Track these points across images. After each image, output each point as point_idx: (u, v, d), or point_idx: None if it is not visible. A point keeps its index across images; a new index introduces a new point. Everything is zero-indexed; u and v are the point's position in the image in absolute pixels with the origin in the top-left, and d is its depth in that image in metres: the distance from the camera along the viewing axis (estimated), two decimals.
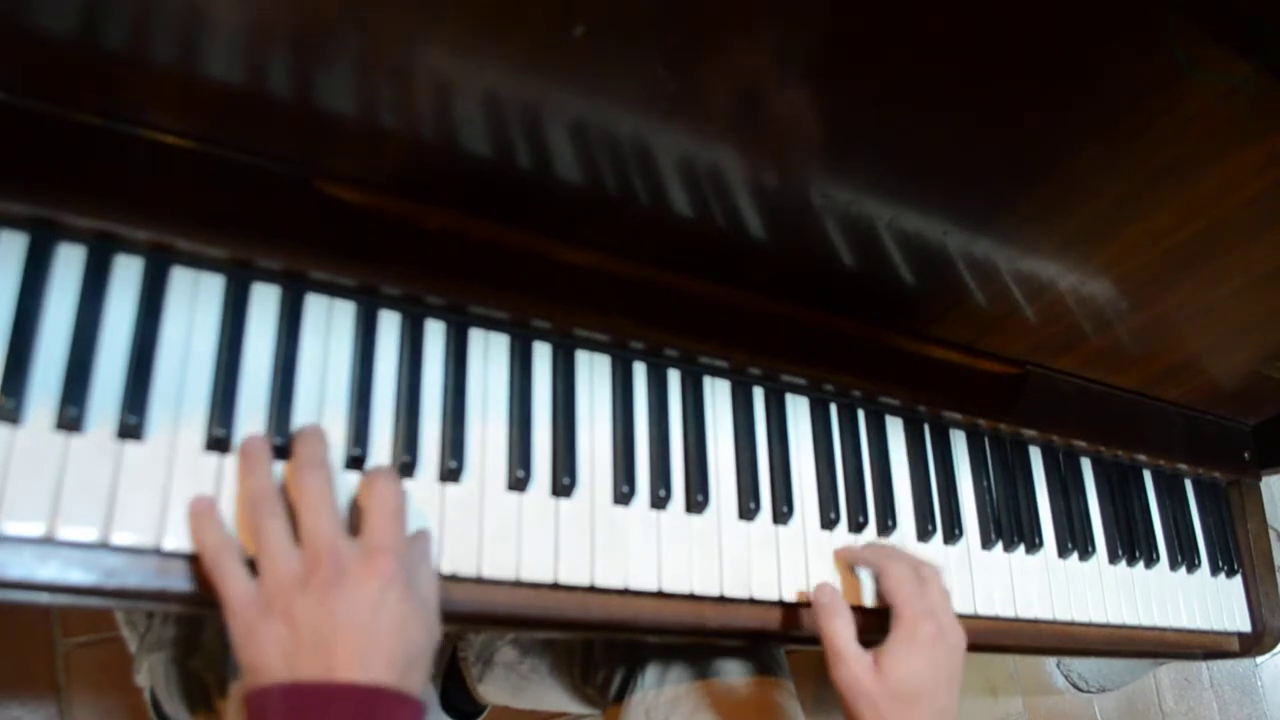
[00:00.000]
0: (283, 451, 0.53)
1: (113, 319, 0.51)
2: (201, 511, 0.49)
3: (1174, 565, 0.96)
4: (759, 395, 0.73)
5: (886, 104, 0.56)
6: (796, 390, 0.75)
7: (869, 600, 0.71)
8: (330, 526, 0.48)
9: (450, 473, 0.58)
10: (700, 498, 0.66)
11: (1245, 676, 2.08)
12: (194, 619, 0.70)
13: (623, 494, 0.63)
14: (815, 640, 0.70)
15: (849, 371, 0.75)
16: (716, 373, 0.71)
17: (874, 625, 0.67)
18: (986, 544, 0.82)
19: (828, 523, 0.73)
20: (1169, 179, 0.63)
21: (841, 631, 0.64)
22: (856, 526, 0.74)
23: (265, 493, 0.49)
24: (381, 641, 0.47)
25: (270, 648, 0.46)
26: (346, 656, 0.46)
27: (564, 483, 0.61)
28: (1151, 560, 0.94)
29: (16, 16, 0.43)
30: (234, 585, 0.47)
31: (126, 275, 0.52)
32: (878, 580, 0.69)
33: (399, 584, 0.48)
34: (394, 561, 0.49)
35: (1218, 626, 0.98)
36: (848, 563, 0.72)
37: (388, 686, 0.46)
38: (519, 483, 0.60)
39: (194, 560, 0.50)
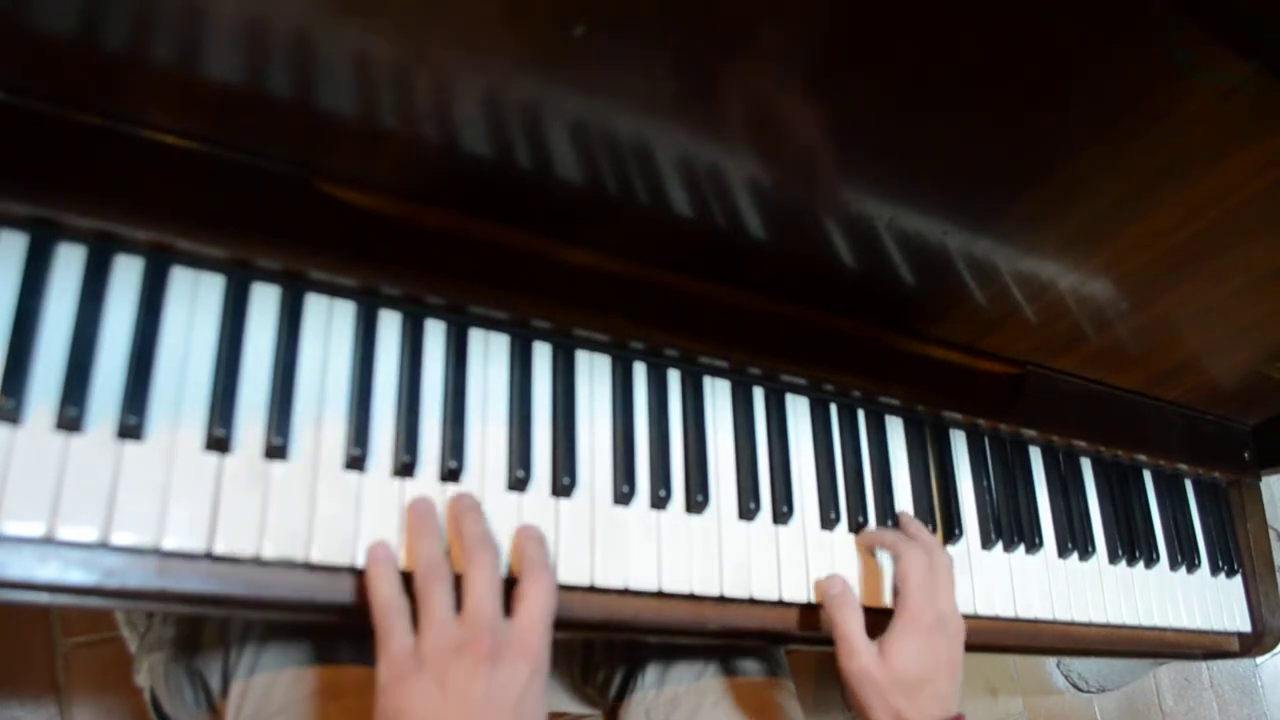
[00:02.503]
0: (279, 452, 0.53)
1: (113, 319, 0.51)
2: (379, 560, 0.53)
3: (1174, 565, 0.96)
4: (759, 395, 0.73)
5: (887, 104, 0.56)
6: (796, 390, 0.75)
7: (872, 600, 0.71)
8: (493, 606, 0.52)
9: (450, 473, 0.58)
10: (700, 498, 0.66)
11: (1245, 676, 2.08)
12: (194, 619, 0.70)
13: (623, 494, 0.63)
14: (815, 640, 0.70)
15: (849, 371, 0.75)
16: (716, 373, 0.71)
17: (879, 623, 0.67)
18: (986, 544, 0.82)
19: (828, 523, 0.73)
20: (1169, 179, 0.63)
21: (851, 621, 0.66)
22: (856, 526, 0.74)
23: (435, 560, 0.53)
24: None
25: (418, 702, 0.49)
26: None
27: (564, 483, 0.61)
28: (1151, 560, 0.94)
29: (16, 16, 0.43)
30: (397, 638, 0.51)
31: (126, 275, 0.52)
32: (895, 562, 0.70)
33: (541, 677, 0.53)
34: (543, 650, 0.53)
35: (1218, 626, 0.98)
36: (869, 545, 0.73)
37: None
38: (519, 483, 0.60)
39: (195, 560, 0.50)
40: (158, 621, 0.77)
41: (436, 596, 0.52)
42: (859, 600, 0.68)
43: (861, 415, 0.79)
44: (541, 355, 0.64)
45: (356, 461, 0.55)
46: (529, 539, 0.58)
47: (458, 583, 0.53)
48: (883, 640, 0.65)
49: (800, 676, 0.83)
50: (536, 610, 0.54)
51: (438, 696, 0.49)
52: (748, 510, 0.69)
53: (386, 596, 0.52)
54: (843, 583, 0.69)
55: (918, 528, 0.74)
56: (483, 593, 0.52)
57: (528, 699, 0.51)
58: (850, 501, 0.75)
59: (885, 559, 0.73)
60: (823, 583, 0.69)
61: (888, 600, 0.72)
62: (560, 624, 0.61)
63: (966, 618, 0.77)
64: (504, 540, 0.58)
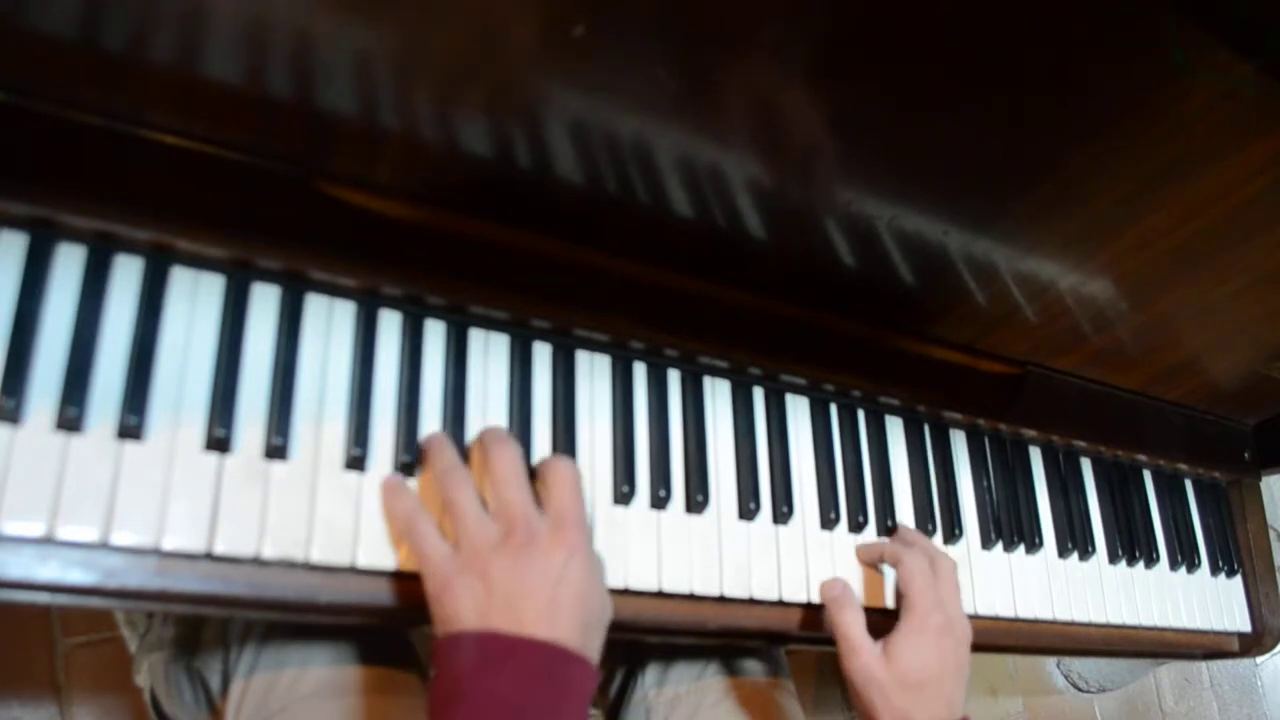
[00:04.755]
0: (279, 451, 0.53)
1: (113, 319, 0.51)
2: (392, 486, 0.54)
3: (1174, 565, 0.96)
4: (759, 395, 0.73)
5: (887, 104, 0.56)
6: (796, 390, 0.75)
7: (874, 601, 0.71)
8: (524, 496, 0.53)
9: None
10: (700, 498, 0.66)
11: (1245, 676, 2.08)
12: (194, 619, 0.70)
13: (623, 494, 0.63)
14: (815, 640, 0.70)
15: (849, 371, 0.75)
16: (716, 373, 0.71)
17: (878, 624, 0.67)
18: (986, 544, 0.82)
19: (828, 523, 0.73)
20: (1169, 179, 0.63)
21: (852, 622, 0.66)
22: (856, 526, 0.74)
23: (454, 466, 0.54)
24: (565, 605, 0.51)
25: (466, 601, 0.50)
26: (534, 615, 0.50)
27: None
28: (1151, 560, 0.94)
29: (16, 16, 0.43)
30: (431, 544, 0.52)
31: (126, 275, 0.52)
32: (896, 570, 0.70)
33: (582, 554, 0.53)
34: (579, 534, 0.53)
35: (1218, 626, 0.98)
36: (868, 559, 0.73)
37: (568, 646, 0.50)
38: None
39: (195, 560, 0.50)
40: (158, 621, 0.77)
41: (462, 498, 0.53)
42: (860, 601, 0.68)
43: (861, 415, 0.79)
44: (541, 355, 0.64)
45: (357, 461, 0.55)
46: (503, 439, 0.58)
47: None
48: (887, 641, 0.65)
49: (800, 676, 0.83)
50: (565, 490, 0.54)
51: (484, 594, 0.50)
52: (748, 510, 0.69)
53: (407, 508, 0.53)
54: (842, 584, 0.69)
55: (916, 536, 0.74)
56: (508, 482, 0.53)
57: (569, 582, 0.51)
58: (850, 502, 0.75)
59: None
60: (823, 585, 0.69)
61: (889, 601, 0.72)
62: None
63: (967, 617, 0.77)
64: None
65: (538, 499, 0.55)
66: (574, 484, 0.55)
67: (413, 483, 0.56)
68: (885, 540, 0.74)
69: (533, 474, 0.57)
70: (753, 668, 0.78)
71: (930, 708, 0.64)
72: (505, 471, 0.54)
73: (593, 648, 0.53)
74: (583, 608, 0.52)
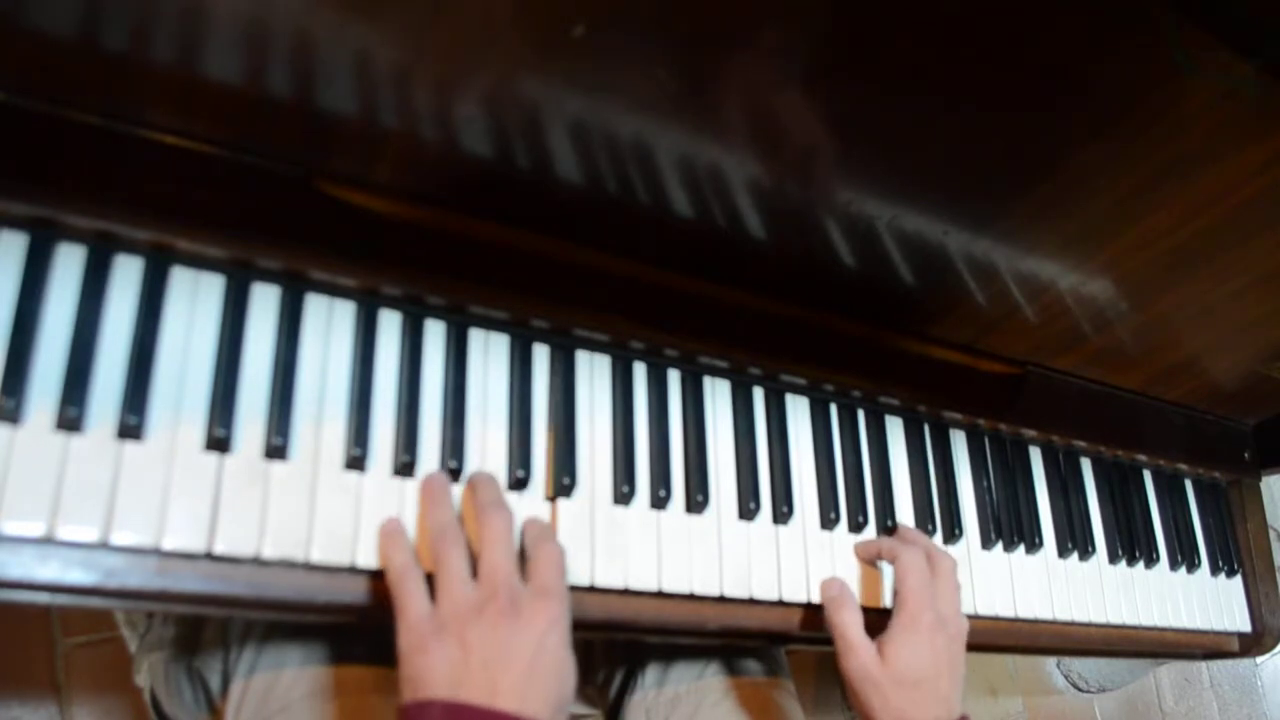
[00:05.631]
0: (279, 452, 0.53)
1: (113, 319, 0.51)
2: (391, 533, 0.54)
3: (1174, 565, 0.96)
4: (759, 395, 0.73)
5: (887, 105, 0.56)
6: (796, 390, 0.75)
7: (876, 601, 0.71)
8: (509, 564, 0.52)
9: (451, 473, 0.58)
10: (700, 498, 0.66)
11: (1245, 676, 2.08)
12: (194, 619, 0.70)
13: (623, 494, 0.63)
14: (815, 640, 0.70)
15: (849, 371, 0.75)
16: (716, 373, 0.71)
17: (876, 624, 0.67)
18: (986, 544, 0.82)
19: (827, 523, 0.73)
20: (1169, 179, 0.63)
21: (850, 622, 0.66)
22: (856, 526, 0.74)
23: (449, 524, 0.54)
24: (540, 677, 0.50)
25: (439, 665, 0.49)
26: (509, 687, 0.49)
27: (564, 483, 0.61)
28: (1151, 560, 0.94)
29: (16, 16, 0.43)
30: (415, 603, 0.51)
31: (126, 275, 0.52)
32: (893, 566, 0.70)
33: (561, 628, 0.52)
34: (561, 608, 0.52)
35: (1218, 626, 0.98)
36: (867, 555, 0.73)
37: None
38: (519, 483, 0.60)
39: (195, 560, 0.50)
40: (158, 621, 0.77)
41: (452, 559, 0.52)
42: (858, 601, 0.68)
43: (861, 415, 0.79)
44: (541, 355, 0.64)
45: (356, 461, 0.55)
46: (530, 523, 0.58)
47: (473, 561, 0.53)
48: (882, 640, 0.65)
49: (800, 676, 0.83)
50: (550, 564, 0.54)
51: (459, 657, 0.49)
52: (748, 510, 0.69)
53: (401, 563, 0.52)
54: (840, 584, 0.69)
55: (917, 534, 0.74)
56: (497, 551, 0.53)
57: (548, 654, 0.51)
58: (850, 501, 0.75)
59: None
60: (823, 584, 0.69)
61: (888, 601, 0.72)
62: None
63: (967, 617, 0.77)
64: None
65: (522, 571, 0.54)
66: (560, 562, 0.54)
67: (410, 519, 0.55)
68: (884, 537, 0.74)
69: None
70: (752, 668, 0.78)
71: (927, 706, 0.64)
72: (496, 536, 0.53)
73: None
74: (557, 683, 0.51)
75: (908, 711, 0.63)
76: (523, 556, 0.56)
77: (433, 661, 0.49)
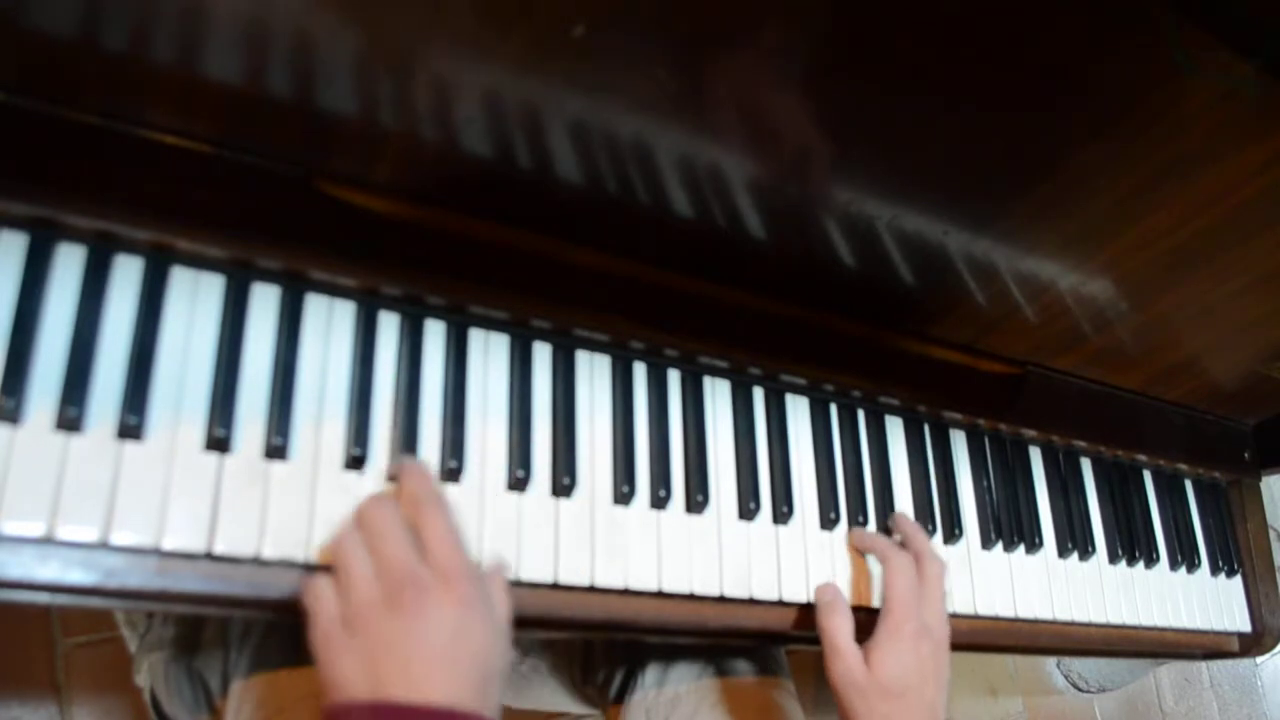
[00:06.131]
0: (279, 452, 0.53)
1: (113, 319, 0.51)
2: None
3: (1174, 565, 0.96)
4: (759, 395, 0.73)
5: (887, 105, 0.56)
6: (796, 390, 0.75)
7: (871, 601, 0.71)
8: (405, 553, 0.50)
9: (450, 473, 0.58)
10: (700, 498, 0.66)
11: (1245, 676, 2.08)
12: (194, 619, 0.70)
13: (623, 494, 0.63)
14: (815, 640, 0.70)
15: (849, 371, 0.75)
16: (716, 373, 0.71)
17: (868, 624, 0.67)
18: (986, 544, 0.82)
19: (828, 523, 0.73)
20: (1169, 179, 0.63)
21: (840, 628, 0.66)
22: (856, 526, 0.74)
23: (344, 524, 0.52)
24: (462, 663, 0.48)
25: (353, 666, 0.47)
26: (430, 677, 0.47)
27: (564, 483, 0.61)
28: (1151, 560, 0.94)
29: (16, 16, 0.43)
30: (324, 605, 0.49)
31: (126, 275, 0.52)
32: (883, 569, 0.70)
33: (476, 607, 0.50)
34: (470, 585, 0.50)
35: (1218, 626, 0.98)
36: (860, 546, 0.73)
37: (466, 708, 0.47)
38: (519, 483, 0.60)
39: (195, 560, 0.50)
40: (158, 621, 0.77)
41: (351, 559, 0.50)
42: (850, 605, 0.68)
43: (861, 415, 0.79)
44: (541, 355, 0.64)
45: (356, 461, 0.55)
46: (408, 472, 0.55)
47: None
48: (867, 647, 0.65)
49: (800, 676, 0.83)
50: (441, 541, 0.51)
51: (373, 657, 0.47)
52: (748, 510, 0.69)
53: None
54: (834, 590, 0.69)
55: (913, 531, 0.74)
56: (388, 543, 0.50)
57: (465, 638, 0.49)
58: (850, 501, 0.75)
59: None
60: (818, 588, 0.69)
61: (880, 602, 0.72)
62: (560, 624, 0.61)
63: (966, 618, 0.77)
64: (507, 546, 0.58)
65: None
66: (450, 536, 0.51)
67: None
68: (880, 536, 0.74)
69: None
70: (753, 668, 0.78)
71: (912, 714, 0.64)
72: (383, 530, 0.50)
73: (492, 702, 0.50)
74: (479, 664, 0.49)
75: (892, 718, 0.63)
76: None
77: (348, 663, 0.47)
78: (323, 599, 0.49)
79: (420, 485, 0.54)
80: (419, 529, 0.52)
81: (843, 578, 0.71)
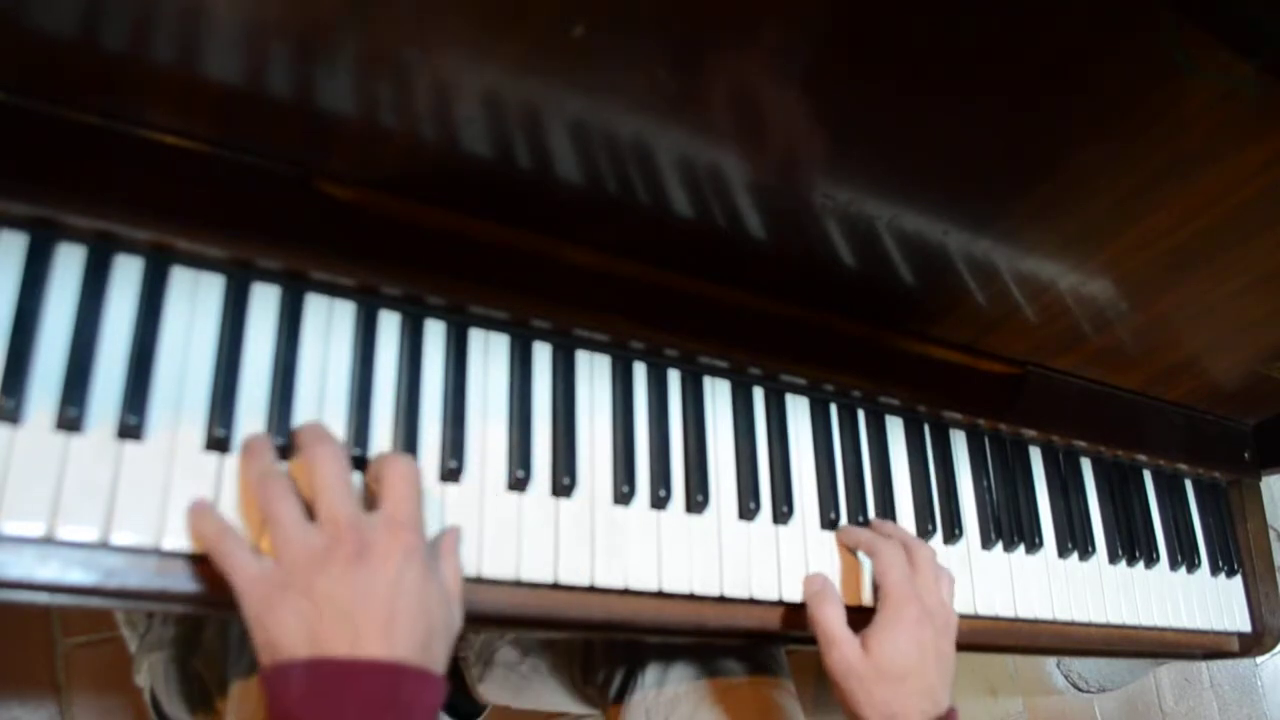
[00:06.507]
0: (285, 452, 0.53)
1: (113, 319, 0.51)
2: (198, 508, 0.49)
3: (1174, 565, 0.96)
4: (759, 395, 0.73)
5: (887, 104, 0.56)
6: (796, 390, 0.75)
7: (865, 599, 0.71)
8: (348, 501, 0.48)
9: (450, 473, 0.58)
10: (700, 498, 0.66)
11: (1245, 676, 2.08)
12: (194, 619, 0.70)
13: (623, 494, 0.63)
14: (815, 640, 0.70)
15: (849, 371, 0.75)
16: (716, 373, 0.71)
17: (866, 622, 0.67)
18: (986, 544, 0.82)
19: (828, 523, 0.73)
20: (1169, 179, 0.63)
21: (832, 616, 0.65)
22: (844, 525, 0.74)
23: (272, 474, 0.49)
24: (405, 617, 0.46)
25: (291, 624, 0.45)
26: (371, 631, 0.45)
27: (564, 483, 0.61)
28: (1151, 560, 0.94)
29: (16, 16, 0.43)
30: (241, 562, 0.47)
31: (126, 275, 0.52)
32: (872, 562, 0.70)
33: (420, 560, 0.48)
34: (416, 536, 0.49)
35: (1218, 626, 0.98)
36: (845, 544, 0.72)
37: (412, 663, 0.46)
38: (519, 483, 0.60)
39: (195, 560, 0.50)
40: (158, 621, 0.78)
41: (282, 509, 0.47)
42: (840, 596, 0.67)
43: (861, 415, 0.79)
44: (541, 355, 0.64)
45: (357, 462, 0.55)
46: (391, 465, 0.52)
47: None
48: (865, 633, 0.65)
49: (800, 676, 0.83)
50: (397, 493, 0.49)
51: (312, 613, 0.45)
52: (748, 510, 0.69)
53: (214, 529, 0.48)
54: (822, 579, 0.68)
55: (893, 528, 0.74)
56: (333, 489, 0.48)
57: (408, 592, 0.47)
58: (850, 501, 0.75)
59: None
60: (805, 579, 0.69)
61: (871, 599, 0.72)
62: (560, 624, 0.61)
63: (966, 618, 0.77)
64: (507, 545, 0.58)
65: (371, 502, 0.51)
66: (410, 481, 0.50)
67: (229, 507, 0.50)
68: (863, 530, 0.73)
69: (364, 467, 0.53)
70: (752, 668, 0.78)
71: (912, 700, 0.62)
72: (327, 473, 0.49)
73: (437, 659, 0.48)
74: (424, 618, 0.47)
75: (892, 705, 0.62)
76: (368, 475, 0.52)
77: (282, 621, 0.45)
78: (240, 556, 0.47)
79: (399, 469, 0.51)
80: (379, 476, 0.50)
81: (842, 578, 0.71)
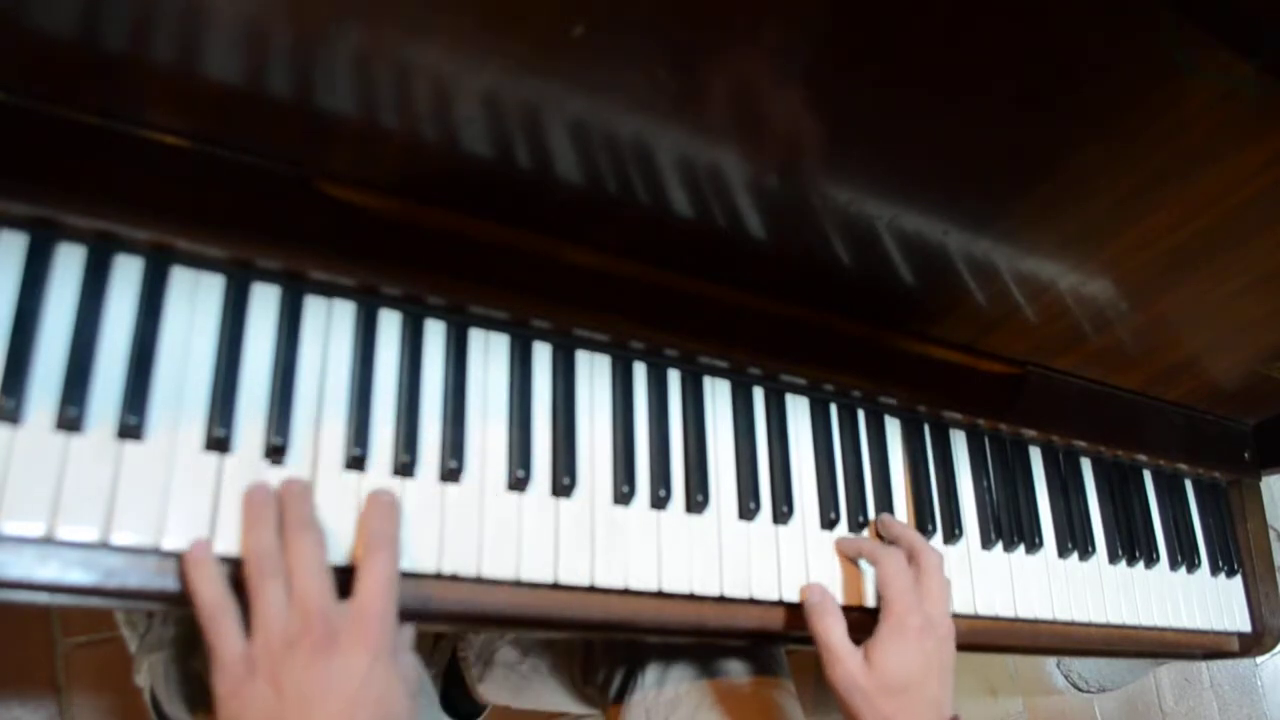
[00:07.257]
0: (279, 452, 0.53)
1: (113, 319, 0.51)
2: (199, 561, 0.49)
3: (1174, 565, 0.96)
4: (759, 395, 0.73)
5: (887, 104, 0.56)
6: (796, 390, 0.75)
7: (868, 600, 0.71)
8: (320, 591, 0.49)
9: (450, 473, 0.58)
10: (700, 498, 0.66)
11: (1245, 676, 2.08)
12: (194, 619, 0.70)
13: (623, 494, 0.63)
14: (814, 640, 0.70)
15: (849, 371, 0.75)
16: (716, 373, 0.71)
17: (869, 624, 0.67)
18: (986, 544, 0.82)
19: (828, 523, 0.73)
20: (1169, 179, 0.63)
21: (833, 629, 0.65)
22: (856, 526, 0.74)
23: (266, 550, 0.49)
24: (365, 711, 0.47)
25: (252, 710, 0.46)
26: None
27: (564, 483, 0.61)
28: (1151, 560, 0.94)
29: (16, 16, 0.43)
30: (227, 643, 0.48)
31: (126, 275, 0.52)
32: (875, 570, 0.70)
33: (386, 654, 0.49)
34: (384, 631, 0.49)
35: (1218, 626, 0.98)
36: (847, 553, 0.72)
37: None
38: (519, 483, 0.60)
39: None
40: (158, 621, 0.78)
41: (267, 590, 0.48)
42: (848, 605, 0.67)
43: (861, 415, 0.79)
44: (541, 355, 0.64)
45: (357, 461, 0.55)
46: (375, 506, 0.53)
47: None
48: (868, 646, 0.65)
49: (800, 676, 0.83)
50: (373, 586, 0.50)
51: (273, 699, 0.46)
52: (747, 510, 0.69)
53: (210, 598, 0.48)
54: (821, 590, 0.68)
55: (900, 529, 0.73)
56: (306, 577, 0.49)
57: (370, 687, 0.47)
58: (850, 501, 0.75)
59: None
60: (803, 590, 0.68)
61: (874, 601, 0.72)
62: (560, 624, 0.61)
63: (967, 618, 0.77)
64: (507, 545, 0.58)
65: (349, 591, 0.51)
66: (386, 579, 0.50)
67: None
68: (865, 539, 0.73)
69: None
70: (752, 668, 0.78)
71: (916, 712, 0.63)
72: (305, 561, 0.49)
73: None
74: (384, 713, 0.48)
75: (896, 717, 0.62)
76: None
77: (245, 706, 0.46)
78: (227, 635, 0.48)
79: (383, 525, 0.53)
80: (359, 566, 0.51)
81: (842, 579, 0.71)
